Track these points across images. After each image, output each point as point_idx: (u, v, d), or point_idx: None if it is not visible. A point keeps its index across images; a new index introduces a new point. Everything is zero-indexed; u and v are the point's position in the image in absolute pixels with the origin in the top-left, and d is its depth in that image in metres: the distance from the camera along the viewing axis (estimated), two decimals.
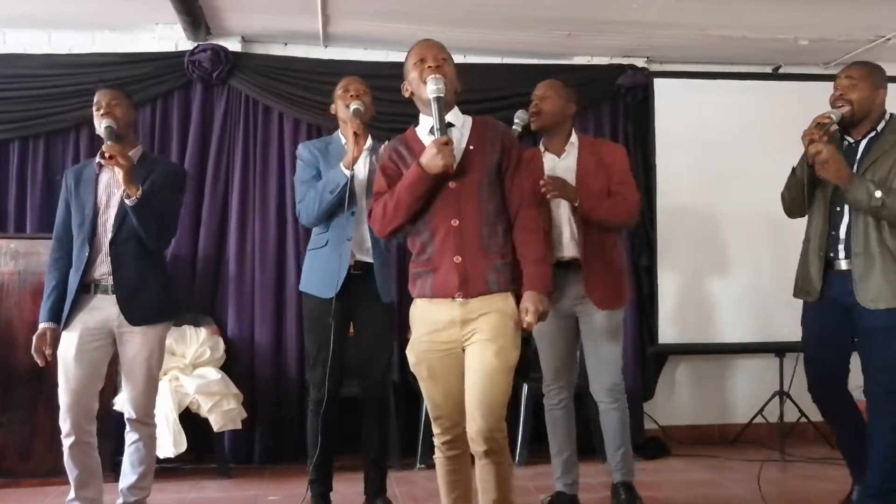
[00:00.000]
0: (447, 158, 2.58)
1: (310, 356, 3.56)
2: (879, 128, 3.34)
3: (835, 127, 3.30)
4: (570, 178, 3.52)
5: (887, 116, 3.37)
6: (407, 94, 2.77)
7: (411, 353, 2.73)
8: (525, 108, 3.68)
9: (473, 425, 2.60)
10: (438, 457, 2.75)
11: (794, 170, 3.50)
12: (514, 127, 3.54)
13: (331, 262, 3.46)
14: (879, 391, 3.29)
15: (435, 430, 2.74)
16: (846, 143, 3.39)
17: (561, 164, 3.58)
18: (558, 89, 3.61)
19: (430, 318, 2.68)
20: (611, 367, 3.56)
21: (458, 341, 2.66)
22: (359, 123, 3.41)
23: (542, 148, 3.64)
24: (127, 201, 3.18)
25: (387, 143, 2.89)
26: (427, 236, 2.68)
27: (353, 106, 3.45)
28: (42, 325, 3.27)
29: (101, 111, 3.28)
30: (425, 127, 2.74)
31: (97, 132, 3.33)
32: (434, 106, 2.62)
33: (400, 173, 2.72)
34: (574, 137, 3.64)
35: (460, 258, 2.63)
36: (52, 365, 4.15)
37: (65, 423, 3.20)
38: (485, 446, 2.60)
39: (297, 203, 3.60)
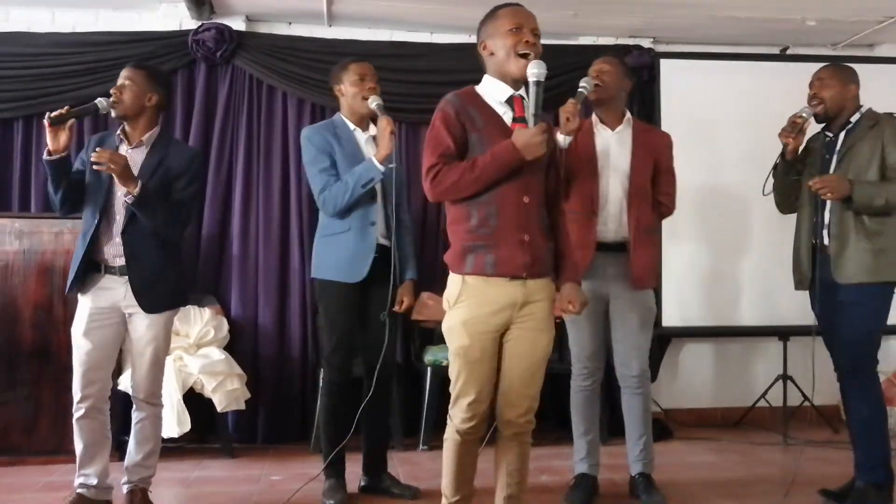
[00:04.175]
0: (547, 147, 2.52)
1: (330, 340, 3.56)
2: (854, 119, 3.54)
3: (808, 124, 3.54)
4: (626, 153, 3.57)
5: (863, 109, 3.57)
6: (484, 52, 2.65)
7: (461, 334, 2.57)
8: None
9: (518, 409, 2.61)
10: (455, 440, 2.65)
11: (775, 166, 3.66)
12: (580, 90, 3.45)
13: (357, 247, 3.48)
14: (849, 366, 3.45)
15: (463, 413, 2.60)
16: (827, 137, 3.62)
17: (615, 137, 3.59)
18: (616, 65, 3.64)
19: (487, 298, 2.56)
20: (641, 352, 3.60)
21: (508, 323, 2.59)
22: (390, 120, 3.41)
23: (594, 119, 3.63)
24: (126, 199, 3.15)
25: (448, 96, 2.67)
26: (494, 209, 2.55)
27: (374, 102, 3.47)
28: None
29: (113, 89, 3.24)
30: (494, 91, 2.62)
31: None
32: (533, 90, 2.51)
33: (465, 135, 2.57)
34: (628, 115, 3.66)
35: (528, 237, 2.55)
36: (56, 343, 4.20)
37: (76, 395, 3.22)
38: (524, 429, 2.63)
39: (318, 191, 3.54)
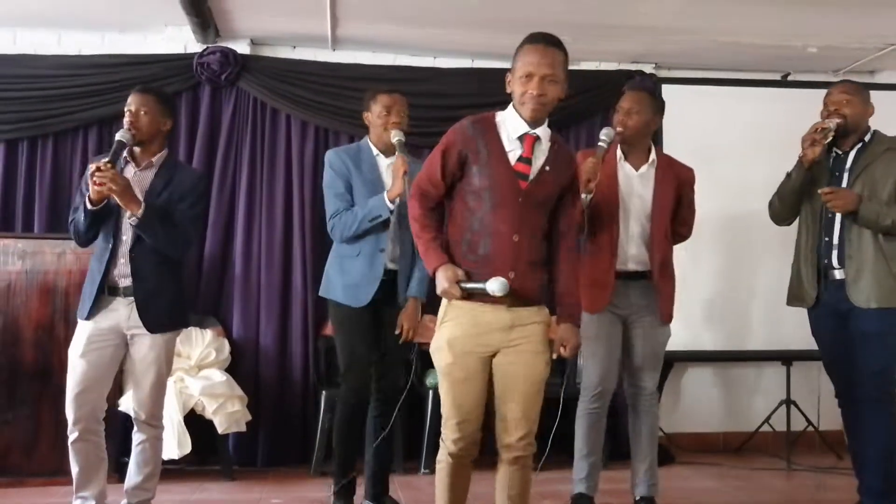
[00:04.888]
0: (450, 297, 2.58)
1: (343, 360, 3.56)
2: (866, 138, 3.54)
3: (832, 134, 3.46)
4: (648, 195, 3.56)
5: (871, 131, 3.57)
6: (507, 84, 2.67)
7: (445, 353, 2.61)
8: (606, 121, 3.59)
9: (518, 433, 2.60)
10: (447, 462, 2.66)
11: (788, 175, 3.60)
12: (600, 144, 3.46)
13: (365, 273, 3.49)
14: (873, 394, 3.39)
15: (452, 433, 2.62)
16: (834, 154, 3.58)
17: (638, 179, 3.57)
18: (645, 103, 3.56)
19: (475, 319, 2.59)
20: (656, 374, 3.62)
21: (498, 346, 2.61)
22: (406, 160, 3.41)
23: (620, 155, 3.60)
24: (129, 221, 3.17)
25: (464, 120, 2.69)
26: (485, 241, 2.60)
27: (395, 138, 3.47)
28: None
29: (127, 118, 3.23)
30: (511, 124, 2.64)
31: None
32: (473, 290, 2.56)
33: (461, 166, 2.63)
34: (653, 154, 3.62)
35: (514, 274, 2.58)
36: (57, 363, 4.18)
37: (69, 418, 3.20)
38: (524, 452, 2.62)
39: (328, 216, 3.57)
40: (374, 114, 3.58)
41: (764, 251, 5.24)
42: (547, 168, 2.65)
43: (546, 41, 2.63)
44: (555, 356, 2.64)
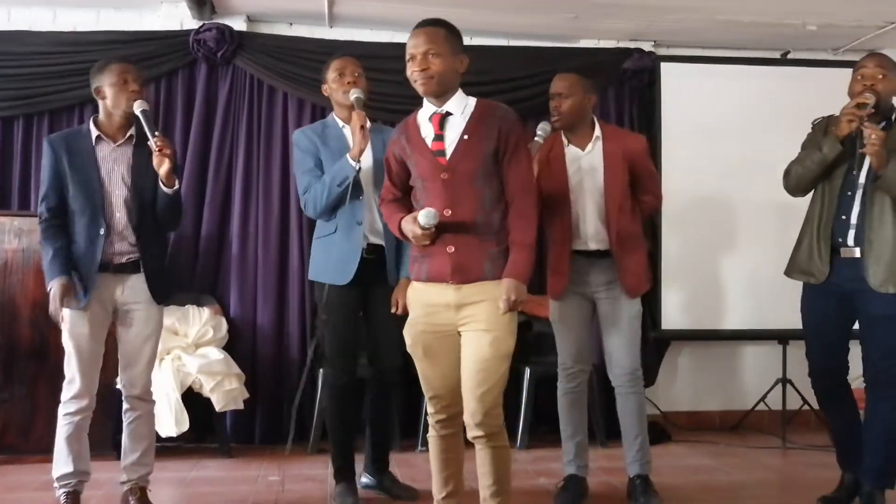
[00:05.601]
0: (420, 239, 2.65)
1: (330, 342, 3.52)
2: (893, 117, 3.38)
3: (871, 110, 3.27)
4: (598, 172, 3.52)
5: None
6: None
7: (407, 335, 2.78)
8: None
9: (470, 411, 2.64)
10: (432, 435, 2.80)
11: (819, 147, 3.41)
12: (536, 139, 3.47)
13: (343, 248, 3.42)
14: (881, 376, 3.33)
15: (429, 408, 2.79)
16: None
17: (586, 158, 3.54)
18: (574, 85, 3.53)
19: (425, 300, 2.72)
20: (632, 352, 3.58)
21: (454, 324, 2.68)
22: (364, 115, 3.35)
23: (564, 140, 3.58)
24: (168, 191, 3.19)
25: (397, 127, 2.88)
26: None
27: (354, 95, 3.39)
28: (59, 279, 3.11)
29: (132, 89, 3.21)
30: (424, 111, 2.77)
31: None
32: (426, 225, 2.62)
33: (403, 167, 2.78)
34: (597, 129, 3.58)
35: (453, 248, 2.64)
36: (54, 342, 4.18)
37: (80, 401, 3.19)
38: (481, 431, 2.64)
39: (300, 193, 3.53)
40: (330, 81, 3.52)
41: (761, 229, 5.24)
42: (466, 137, 2.68)
43: (423, 23, 2.72)
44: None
